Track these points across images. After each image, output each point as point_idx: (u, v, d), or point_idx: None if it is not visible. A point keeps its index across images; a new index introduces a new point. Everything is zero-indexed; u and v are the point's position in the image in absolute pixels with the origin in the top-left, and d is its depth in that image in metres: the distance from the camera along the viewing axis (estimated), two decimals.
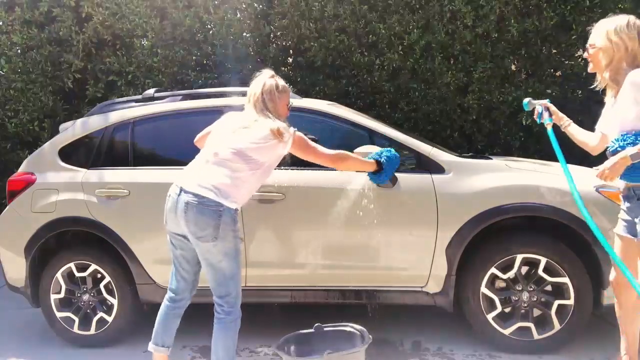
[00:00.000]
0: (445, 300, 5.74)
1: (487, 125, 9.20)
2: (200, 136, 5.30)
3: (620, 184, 4.58)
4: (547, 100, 5.18)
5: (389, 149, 5.41)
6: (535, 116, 5.15)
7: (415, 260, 5.69)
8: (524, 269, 5.65)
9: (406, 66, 9.14)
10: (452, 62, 9.26)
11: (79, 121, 6.74)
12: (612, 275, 4.92)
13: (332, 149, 5.01)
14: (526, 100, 5.24)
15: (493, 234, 5.69)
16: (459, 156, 5.98)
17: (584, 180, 5.45)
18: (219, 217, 4.56)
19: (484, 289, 5.65)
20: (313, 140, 5.23)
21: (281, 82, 4.99)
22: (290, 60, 9.94)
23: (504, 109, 9.04)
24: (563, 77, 9.12)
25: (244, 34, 9.74)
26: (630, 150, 4.19)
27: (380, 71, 9.27)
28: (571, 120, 5.07)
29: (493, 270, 5.61)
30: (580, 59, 8.96)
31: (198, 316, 5.98)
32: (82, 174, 6.36)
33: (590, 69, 4.71)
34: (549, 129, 4.95)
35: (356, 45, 9.33)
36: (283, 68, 9.64)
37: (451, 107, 9.15)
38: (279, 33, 9.76)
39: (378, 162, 5.33)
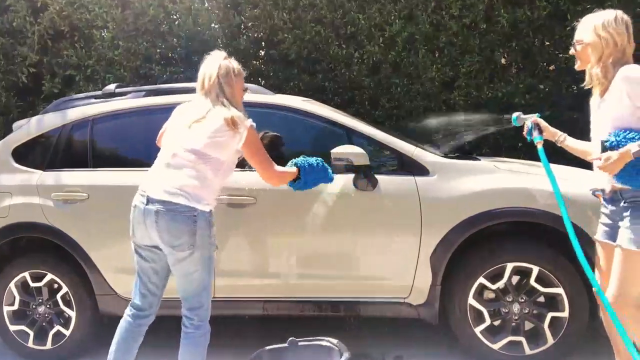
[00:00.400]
0: (430, 313, 5.72)
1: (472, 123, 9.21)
2: (160, 135, 5.24)
3: (605, 185, 4.58)
4: (537, 114, 5.18)
5: (319, 160, 5.41)
6: (524, 133, 5.15)
7: (397, 270, 5.67)
8: (515, 279, 5.65)
9: (387, 60, 9.15)
10: (437, 55, 9.26)
11: (34, 119, 6.69)
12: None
13: (307, 149, 5.01)
14: (515, 114, 5.25)
15: (481, 240, 5.68)
16: (444, 157, 5.96)
17: (580, 182, 5.46)
18: (194, 222, 4.53)
19: (471, 301, 5.63)
20: (276, 137, 5.23)
21: (236, 65, 4.93)
22: (262, 53, 9.93)
23: (493, 106, 9.05)
24: (557, 71, 9.13)
25: (212, 24, 9.72)
26: (634, 147, 4.19)
27: (359, 65, 9.26)
28: (566, 134, 5.08)
29: (481, 280, 5.60)
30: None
31: (161, 330, 5.93)
32: (38, 176, 6.30)
33: (577, 66, 4.75)
34: (539, 147, 4.95)
35: (333, 37, 9.33)
36: (255, 61, 9.63)
37: (436, 103, 9.16)
38: (250, 24, 9.74)
39: (299, 169, 5.33)
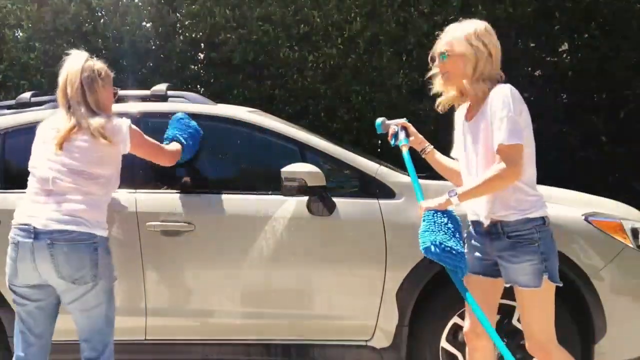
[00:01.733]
0: (396, 357, 5.69)
1: (447, 138, 9.24)
2: None
3: (481, 215, 4.57)
4: (405, 119, 5.22)
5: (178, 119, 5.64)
6: (389, 138, 5.15)
7: (359, 308, 5.66)
8: (495, 318, 5.65)
9: (347, 64, 9.17)
10: (404, 58, 9.30)
11: None
12: (466, 324, 4.92)
13: (254, 167, 5.01)
14: (379, 120, 5.25)
15: None
16: None
17: (572, 206, 5.49)
18: (95, 250, 4.56)
19: (444, 343, 5.63)
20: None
21: (102, 66, 4.91)
22: (202, 56, 9.93)
23: None
24: (544, 77, 9.20)
25: (144, 23, 9.71)
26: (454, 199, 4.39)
27: (314, 70, 9.28)
28: (432, 146, 5.14)
29: (456, 319, 5.58)
30: (565, 55, 9.04)
31: None
32: None
33: (441, 85, 4.70)
34: (405, 151, 4.95)
35: (284, 37, 9.33)
36: (193, 66, 9.62)
37: (403, 115, 9.16)
38: (187, 22, 9.74)
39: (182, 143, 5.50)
